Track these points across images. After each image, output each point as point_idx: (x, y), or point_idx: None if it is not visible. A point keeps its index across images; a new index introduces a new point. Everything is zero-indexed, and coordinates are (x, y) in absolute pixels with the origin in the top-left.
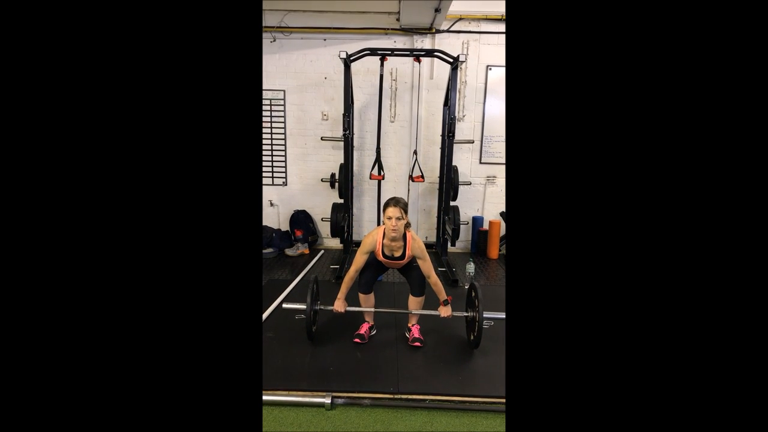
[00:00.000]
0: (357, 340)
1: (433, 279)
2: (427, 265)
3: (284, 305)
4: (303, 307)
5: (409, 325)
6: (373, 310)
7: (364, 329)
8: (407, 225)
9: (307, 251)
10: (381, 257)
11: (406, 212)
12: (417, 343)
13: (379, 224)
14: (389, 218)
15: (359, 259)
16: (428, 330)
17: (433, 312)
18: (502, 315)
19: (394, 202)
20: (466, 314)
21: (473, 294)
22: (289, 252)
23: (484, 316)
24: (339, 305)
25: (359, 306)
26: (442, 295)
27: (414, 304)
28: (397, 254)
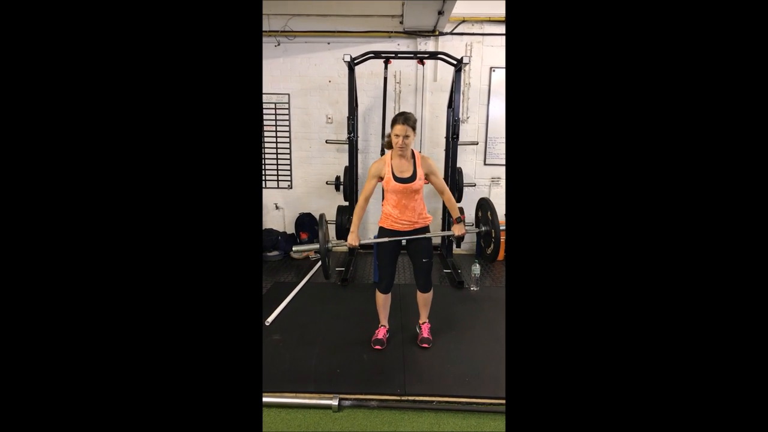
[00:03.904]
0: (378, 347)
1: (447, 195)
2: (440, 181)
3: (294, 248)
4: (315, 246)
5: (420, 322)
6: (386, 313)
7: (381, 334)
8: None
9: (312, 253)
10: (392, 182)
11: (414, 129)
12: (425, 344)
13: None
14: (396, 135)
15: (368, 186)
16: (435, 330)
17: (447, 233)
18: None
19: (403, 119)
20: (479, 230)
21: (487, 210)
22: (294, 255)
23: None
24: (352, 239)
25: (375, 304)
26: (455, 212)
27: (422, 300)
28: (407, 174)
